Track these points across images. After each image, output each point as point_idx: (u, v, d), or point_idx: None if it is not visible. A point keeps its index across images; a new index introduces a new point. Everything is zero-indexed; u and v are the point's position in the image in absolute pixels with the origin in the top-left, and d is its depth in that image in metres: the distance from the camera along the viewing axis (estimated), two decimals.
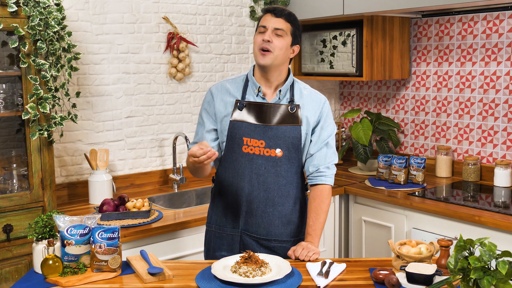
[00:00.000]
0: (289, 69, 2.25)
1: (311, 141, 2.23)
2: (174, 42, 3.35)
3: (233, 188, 2.22)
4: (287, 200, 2.22)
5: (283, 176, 2.20)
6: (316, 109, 2.23)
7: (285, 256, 2.14)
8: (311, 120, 2.21)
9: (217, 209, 2.28)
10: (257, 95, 2.20)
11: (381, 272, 1.84)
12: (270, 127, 2.17)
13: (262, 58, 2.14)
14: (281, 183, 2.20)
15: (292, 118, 2.19)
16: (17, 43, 2.40)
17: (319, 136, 2.23)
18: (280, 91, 2.20)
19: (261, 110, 2.18)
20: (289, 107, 2.19)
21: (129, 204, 2.72)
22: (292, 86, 2.23)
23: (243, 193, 2.20)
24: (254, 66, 2.26)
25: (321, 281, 1.84)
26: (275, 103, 2.19)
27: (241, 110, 2.18)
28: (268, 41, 2.13)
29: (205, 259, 2.33)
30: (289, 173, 2.21)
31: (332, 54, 3.63)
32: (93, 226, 1.96)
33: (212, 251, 2.27)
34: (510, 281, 1.53)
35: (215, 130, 2.24)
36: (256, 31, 2.21)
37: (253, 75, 2.23)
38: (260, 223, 2.20)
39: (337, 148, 4.05)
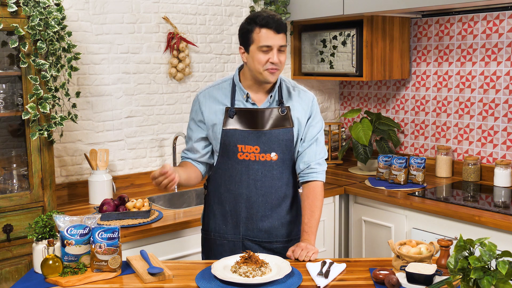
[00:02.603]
0: None
1: (301, 139, 2.23)
2: (174, 42, 3.35)
3: (231, 195, 2.21)
4: (284, 201, 2.24)
5: (279, 178, 2.21)
6: (306, 109, 2.23)
7: (285, 258, 2.14)
8: (302, 121, 2.22)
9: (215, 216, 2.27)
10: (246, 101, 2.18)
11: (381, 272, 1.84)
12: (263, 132, 2.16)
13: (272, 76, 2.12)
14: (277, 185, 2.21)
15: (284, 120, 2.18)
16: (17, 43, 2.40)
17: (309, 134, 2.23)
18: (270, 96, 2.18)
19: (252, 116, 2.16)
20: (279, 110, 2.18)
21: (129, 204, 2.72)
22: (280, 87, 2.22)
23: (241, 199, 2.20)
24: (239, 70, 2.22)
25: (321, 281, 1.84)
26: (266, 107, 2.18)
27: (232, 118, 2.16)
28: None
29: None
30: (284, 175, 2.22)
31: (332, 54, 3.63)
32: (93, 226, 1.96)
33: (213, 258, 2.25)
34: (510, 281, 1.53)
35: (204, 138, 2.23)
36: (250, 44, 2.10)
37: (240, 80, 2.20)
38: (261, 227, 2.21)
39: (337, 148, 4.05)
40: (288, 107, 2.20)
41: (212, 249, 2.29)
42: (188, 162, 2.29)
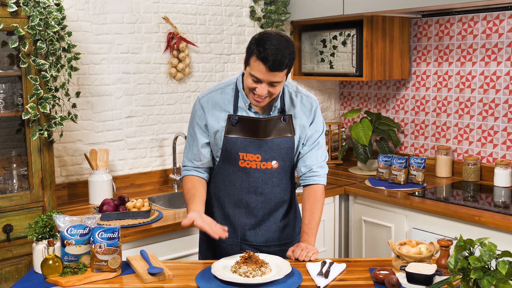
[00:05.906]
0: None
1: (302, 143, 2.23)
2: (174, 42, 3.35)
3: (230, 200, 2.21)
4: (282, 206, 2.25)
5: (278, 185, 2.21)
6: (309, 115, 2.22)
7: (285, 258, 2.14)
8: (305, 126, 2.21)
9: (214, 219, 2.24)
10: (248, 109, 2.15)
11: (381, 272, 1.84)
12: (265, 141, 2.15)
13: (257, 103, 2.08)
14: (277, 192, 2.21)
15: (285, 129, 2.17)
16: (17, 43, 2.40)
17: (311, 138, 2.23)
18: (274, 106, 2.15)
19: (255, 125, 2.14)
20: (281, 118, 2.16)
21: (129, 204, 2.72)
22: (282, 94, 2.18)
23: (241, 205, 2.20)
24: (243, 74, 2.16)
25: (321, 281, 1.84)
26: (267, 117, 2.15)
27: (234, 126, 2.14)
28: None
29: None
30: (283, 181, 2.23)
31: (332, 54, 3.63)
32: (93, 226, 1.96)
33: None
34: (510, 281, 1.53)
35: (209, 143, 2.21)
36: (247, 64, 2.03)
37: (243, 87, 2.15)
38: (258, 231, 2.22)
39: (337, 148, 4.05)
40: (291, 115, 2.18)
41: (209, 251, 2.29)
42: (195, 178, 2.22)
